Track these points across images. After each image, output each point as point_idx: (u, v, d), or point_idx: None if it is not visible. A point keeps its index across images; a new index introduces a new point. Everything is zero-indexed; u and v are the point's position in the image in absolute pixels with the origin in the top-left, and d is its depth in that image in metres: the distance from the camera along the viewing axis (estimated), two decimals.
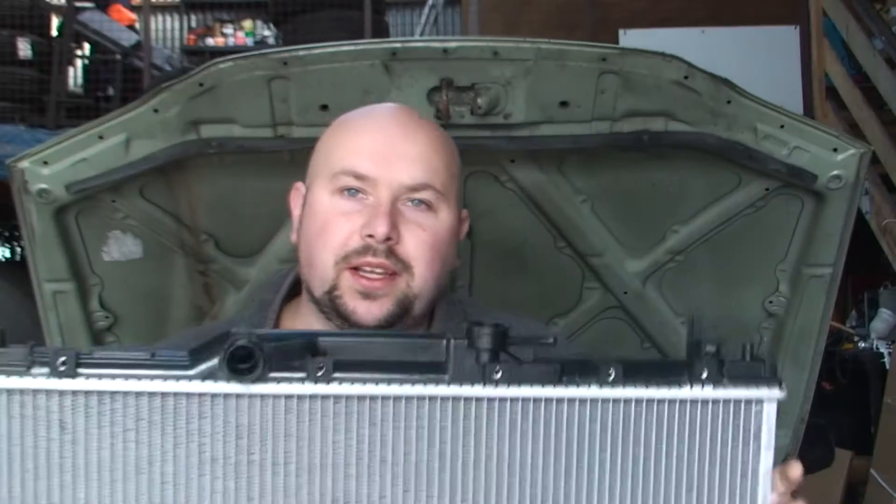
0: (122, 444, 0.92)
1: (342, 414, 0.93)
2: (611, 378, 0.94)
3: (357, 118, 1.33)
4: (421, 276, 1.25)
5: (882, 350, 5.55)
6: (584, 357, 1.03)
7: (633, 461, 0.96)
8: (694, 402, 0.96)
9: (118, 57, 7.04)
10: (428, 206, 1.26)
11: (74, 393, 0.92)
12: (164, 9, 9.11)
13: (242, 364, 0.91)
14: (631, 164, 1.86)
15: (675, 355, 2.23)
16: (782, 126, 1.72)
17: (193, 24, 9.13)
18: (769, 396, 0.97)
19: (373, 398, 0.93)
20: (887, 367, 5.23)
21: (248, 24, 8.67)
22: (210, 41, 8.58)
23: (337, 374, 0.93)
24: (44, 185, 1.77)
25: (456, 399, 0.94)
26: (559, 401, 0.95)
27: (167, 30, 9.08)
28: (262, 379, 0.92)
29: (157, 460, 0.93)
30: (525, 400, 0.94)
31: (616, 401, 0.95)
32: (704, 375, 0.95)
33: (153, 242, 1.96)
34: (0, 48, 6.44)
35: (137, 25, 7.67)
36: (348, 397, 0.93)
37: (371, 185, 1.24)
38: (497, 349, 0.94)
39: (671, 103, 1.69)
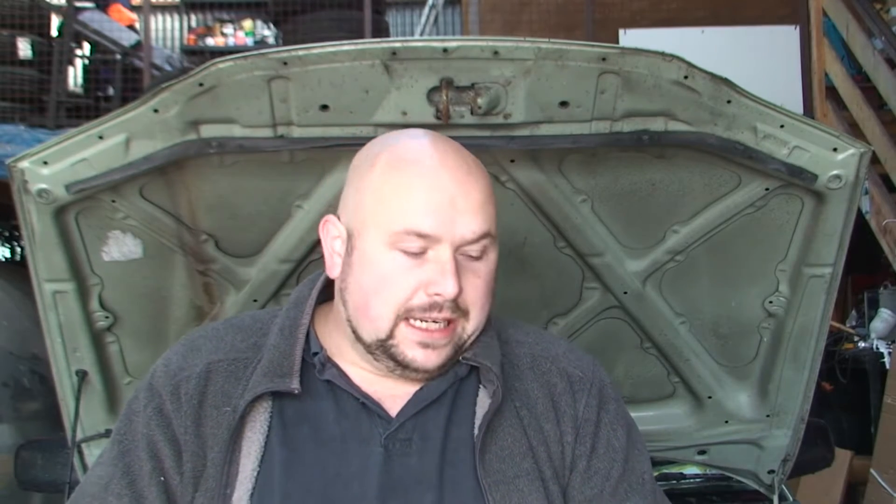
0: None
1: None
2: None
3: (410, 167, 1.27)
4: (476, 318, 1.29)
5: (882, 350, 5.53)
6: None
7: None
8: None
9: (118, 57, 7.03)
10: (483, 251, 1.28)
11: None
12: (164, 9, 9.09)
13: None
14: (631, 163, 1.86)
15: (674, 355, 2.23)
16: (782, 126, 1.71)
17: (193, 24, 9.10)
18: None
19: None
20: (887, 367, 5.23)
21: (248, 24, 8.64)
22: (210, 41, 8.55)
23: None
24: (44, 185, 1.77)
25: None
26: None
27: (167, 30, 9.06)
28: None
29: None
30: None
31: None
32: None
33: (153, 242, 1.95)
34: (0, 48, 6.43)
35: (137, 25, 7.66)
36: None
37: (433, 241, 1.24)
38: None
39: (671, 103, 1.68)
